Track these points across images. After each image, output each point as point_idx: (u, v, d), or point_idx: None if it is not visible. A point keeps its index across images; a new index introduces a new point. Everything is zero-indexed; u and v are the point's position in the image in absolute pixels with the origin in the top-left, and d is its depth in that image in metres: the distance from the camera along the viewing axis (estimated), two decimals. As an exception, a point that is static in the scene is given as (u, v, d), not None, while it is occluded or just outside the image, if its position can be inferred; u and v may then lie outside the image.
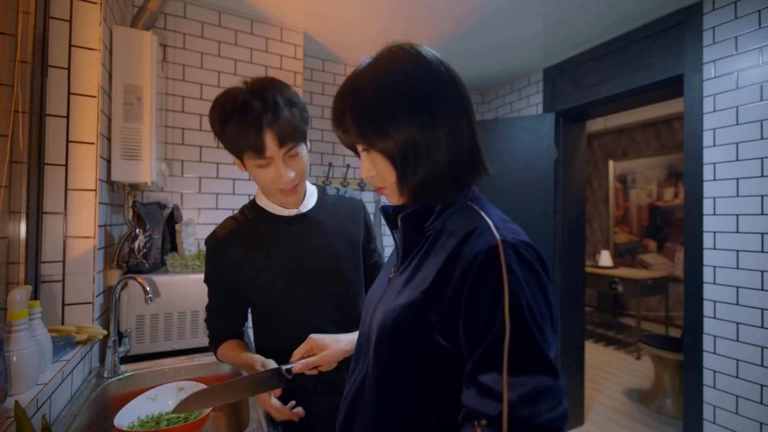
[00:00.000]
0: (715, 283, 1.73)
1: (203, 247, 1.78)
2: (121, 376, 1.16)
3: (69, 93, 1.11)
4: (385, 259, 0.98)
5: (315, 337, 0.80)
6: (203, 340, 1.39)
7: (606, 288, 4.07)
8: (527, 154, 2.52)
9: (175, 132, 1.78)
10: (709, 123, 1.75)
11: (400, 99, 0.52)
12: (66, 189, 1.11)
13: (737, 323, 1.65)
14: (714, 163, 1.73)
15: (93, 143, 1.14)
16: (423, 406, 0.52)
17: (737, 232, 1.66)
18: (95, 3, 1.15)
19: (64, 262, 1.11)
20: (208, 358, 1.33)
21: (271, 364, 0.83)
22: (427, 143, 0.53)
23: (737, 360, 1.64)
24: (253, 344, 1.00)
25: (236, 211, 0.98)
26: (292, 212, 0.93)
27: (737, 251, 1.66)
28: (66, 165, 1.11)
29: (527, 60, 2.51)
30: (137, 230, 1.38)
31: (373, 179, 0.59)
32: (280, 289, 0.91)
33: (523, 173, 2.52)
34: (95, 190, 1.15)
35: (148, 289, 1.10)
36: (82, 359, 1.10)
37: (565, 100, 2.44)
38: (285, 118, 0.78)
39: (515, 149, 2.56)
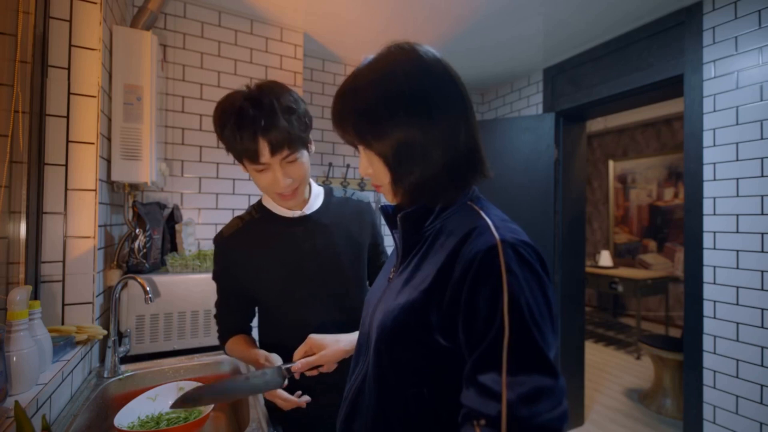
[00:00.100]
0: (715, 283, 1.73)
1: (203, 247, 1.78)
2: (121, 376, 1.16)
3: (69, 93, 1.11)
4: None
5: (314, 337, 0.81)
6: (203, 340, 1.39)
7: (606, 288, 4.07)
8: (527, 154, 2.52)
9: (175, 132, 1.78)
10: (709, 123, 1.75)
11: (397, 100, 0.52)
12: (66, 189, 1.11)
13: (737, 323, 1.65)
14: (714, 163, 1.73)
15: (93, 143, 1.14)
16: (423, 406, 0.52)
17: (737, 232, 1.66)
18: (95, 3, 1.15)
19: (64, 262, 1.11)
20: (208, 358, 1.33)
21: (276, 359, 0.83)
22: (422, 145, 0.53)
23: (737, 360, 1.64)
24: (258, 342, 1.01)
25: (244, 211, 1.00)
26: (296, 214, 0.94)
27: (737, 251, 1.66)
28: (66, 165, 1.11)
29: (527, 60, 2.51)
30: (137, 230, 1.38)
31: (370, 177, 0.60)
32: (281, 289, 0.92)
33: (523, 173, 2.52)
34: (95, 190, 1.15)
35: (148, 289, 1.10)
36: (82, 359, 1.10)
37: (565, 100, 2.44)
38: (280, 126, 0.77)
39: (515, 149, 2.56)
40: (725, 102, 1.69)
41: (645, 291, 3.83)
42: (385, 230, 2.42)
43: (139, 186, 1.48)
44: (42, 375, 0.87)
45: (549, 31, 2.12)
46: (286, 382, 0.78)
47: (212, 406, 0.93)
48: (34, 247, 1.04)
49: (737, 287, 1.65)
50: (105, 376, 1.14)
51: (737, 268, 1.65)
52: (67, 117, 1.11)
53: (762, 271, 1.58)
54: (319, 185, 1.01)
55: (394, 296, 0.56)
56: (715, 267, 1.73)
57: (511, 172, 2.54)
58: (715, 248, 1.73)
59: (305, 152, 0.87)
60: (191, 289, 1.38)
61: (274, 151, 0.79)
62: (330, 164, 2.42)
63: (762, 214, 1.58)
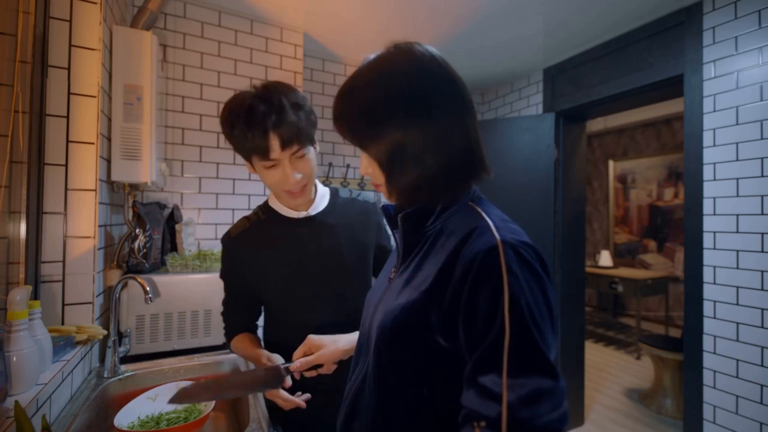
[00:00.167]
0: (715, 283, 1.73)
1: (203, 247, 1.78)
2: (121, 376, 1.16)
3: (69, 93, 1.11)
4: None
5: (313, 338, 0.81)
6: (203, 340, 1.39)
7: (606, 288, 4.07)
8: (527, 154, 2.52)
9: (175, 132, 1.78)
10: (709, 123, 1.75)
11: (390, 102, 0.53)
12: (66, 189, 1.11)
13: (737, 323, 1.65)
14: (714, 163, 1.73)
15: (93, 143, 1.14)
16: (423, 406, 0.52)
17: (737, 232, 1.66)
18: (95, 3, 1.15)
19: (64, 262, 1.11)
20: (208, 358, 1.33)
21: (277, 359, 0.83)
22: (416, 146, 0.53)
23: (737, 360, 1.64)
24: (263, 341, 1.02)
25: (250, 212, 1.01)
26: (302, 214, 0.94)
27: (737, 251, 1.66)
28: (66, 165, 1.11)
29: (527, 60, 2.51)
30: (137, 230, 1.38)
31: (370, 176, 0.60)
32: (285, 289, 0.93)
33: (523, 173, 2.52)
34: (95, 190, 1.15)
35: (148, 289, 1.10)
36: (82, 359, 1.10)
37: (565, 100, 2.44)
38: (290, 120, 0.79)
39: (515, 149, 2.56)
40: (725, 102, 1.69)
41: (645, 291, 3.83)
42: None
43: (139, 186, 1.48)
44: (42, 375, 0.87)
45: (549, 31, 2.12)
46: (289, 382, 0.78)
47: (212, 406, 0.94)
48: (34, 247, 1.04)
49: (737, 287, 1.65)
50: (105, 376, 1.14)
51: (737, 268, 1.65)
52: (67, 117, 1.11)
53: (762, 271, 1.58)
54: (325, 186, 1.02)
55: (394, 296, 0.56)
56: (715, 267, 1.73)
57: (511, 172, 2.54)
58: (715, 248, 1.73)
59: (312, 149, 0.88)
60: (191, 289, 1.38)
61: (284, 146, 0.80)
62: (330, 164, 2.42)
63: (762, 214, 1.58)
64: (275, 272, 0.93)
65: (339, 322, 0.91)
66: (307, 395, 0.83)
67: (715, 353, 1.71)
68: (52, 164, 1.09)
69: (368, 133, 0.55)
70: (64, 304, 1.11)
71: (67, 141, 1.11)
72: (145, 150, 1.34)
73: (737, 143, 1.65)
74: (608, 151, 5.04)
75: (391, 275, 0.64)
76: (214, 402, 0.95)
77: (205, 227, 1.83)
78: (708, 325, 1.74)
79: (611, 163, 4.97)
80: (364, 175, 0.61)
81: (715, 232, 1.73)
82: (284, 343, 0.90)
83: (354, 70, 0.58)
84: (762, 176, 1.58)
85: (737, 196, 1.66)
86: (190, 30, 1.82)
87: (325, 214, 0.96)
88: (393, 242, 1.08)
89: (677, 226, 4.25)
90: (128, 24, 1.57)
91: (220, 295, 1.40)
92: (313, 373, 0.80)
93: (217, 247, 1.79)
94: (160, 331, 1.33)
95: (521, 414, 0.40)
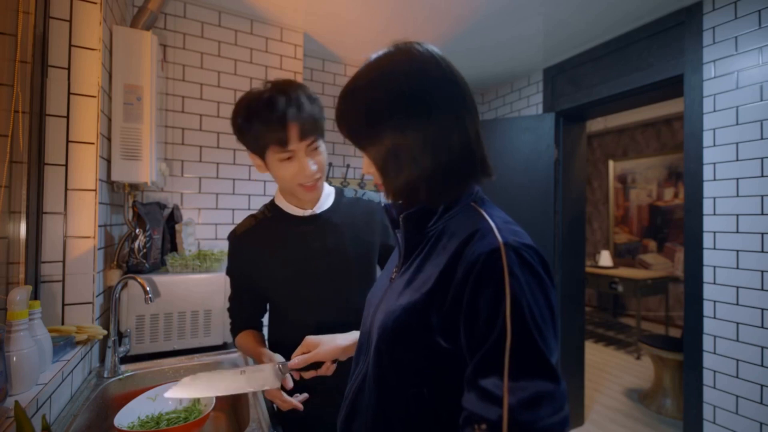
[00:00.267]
0: (715, 283, 1.73)
1: (203, 247, 1.78)
2: (121, 376, 1.16)
3: (69, 93, 1.11)
4: None
5: (310, 337, 0.81)
6: (203, 340, 1.39)
7: (606, 288, 4.07)
8: (527, 154, 2.52)
9: (175, 132, 1.78)
10: (709, 123, 1.75)
11: (388, 103, 0.53)
12: (66, 189, 1.11)
13: (737, 323, 1.65)
14: (714, 163, 1.73)
15: (93, 143, 1.14)
16: (423, 406, 0.52)
17: (737, 232, 1.66)
18: (95, 3, 1.15)
19: (64, 262, 1.11)
20: (208, 358, 1.33)
21: (278, 359, 0.84)
22: (412, 146, 0.53)
23: (737, 360, 1.64)
24: (267, 339, 1.03)
25: (257, 210, 1.02)
26: (307, 213, 0.95)
27: (737, 251, 1.66)
28: (66, 165, 1.11)
29: (527, 60, 2.51)
30: (137, 230, 1.38)
31: (372, 175, 0.60)
32: (289, 286, 0.94)
33: (523, 173, 2.52)
34: (95, 190, 1.15)
35: (148, 289, 1.10)
36: (82, 359, 1.10)
37: (565, 100, 2.44)
38: (307, 112, 0.83)
39: (515, 149, 2.56)
40: (725, 102, 1.69)
41: (645, 291, 3.83)
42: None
43: (139, 186, 1.48)
44: (42, 375, 0.87)
45: (549, 31, 2.12)
46: (290, 382, 0.78)
47: (212, 405, 0.94)
48: (34, 247, 1.04)
49: (737, 287, 1.65)
50: (105, 376, 1.14)
51: (737, 268, 1.65)
52: (67, 117, 1.11)
53: (762, 271, 1.58)
54: (330, 185, 1.03)
55: (395, 297, 0.56)
56: (715, 267, 1.73)
57: (511, 172, 2.54)
58: (715, 248, 1.73)
59: (323, 143, 0.90)
60: (191, 289, 1.38)
61: (302, 137, 0.82)
62: (330, 164, 2.42)
63: (762, 214, 1.58)
64: (280, 270, 0.94)
65: (342, 322, 0.91)
66: (305, 395, 0.83)
67: (715, 353, 1.71)
68: (52, 164, 1.09)
69: (367, 134, 0.56)
70: (64, 304, 1.11)
71: (67, 141, 1.11)
72: (145, 150, 1.34)
73: (737, 143, 1.65)
74: (608, 151, 5.04)
75: (393, 275, 0.64)
76: (214, 402, 0.95)
77: (205, 227, 1.83)
78: (708, 325, 1.74)
79: (611, 163, 4.97)
80: (366, 174, 0.61)
81: (715, 232, 1.73)
82: (288, 342, 0.90)
83: (354, 70, 0.58)
84: (762, 176, 1.58)
85: (737, 196, 1.66)
86: (190, 30, 1.82)
87: (330, 213, 0.97)
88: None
89: (677, 226, 4.25)
90: (128, 24, 1.57)
91: (220, 295, 1.41)
92: (311, 373, 0.80)
93: (217, 247, 1.79)
94: (160, 331, 1.33)
95: (522, 417, 0.40)
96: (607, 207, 5.05)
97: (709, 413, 1.72)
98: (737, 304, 1.65)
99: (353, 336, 0.81)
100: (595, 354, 3.83)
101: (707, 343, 1.74)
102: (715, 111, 1.73)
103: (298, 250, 0.94)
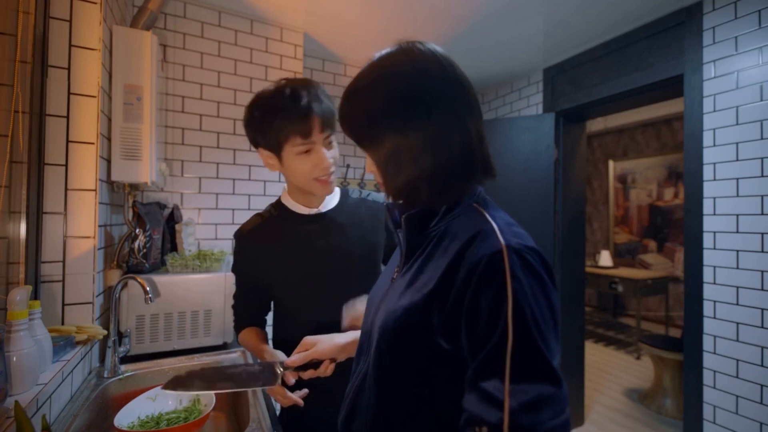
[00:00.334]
0: (715, 283, 1.73)
1: (203, 247, 1.78)
2: (121, 376, 1.16)
3: (69, 93, 1.11)
4: None
5: (308, 337, 0.80)
6: (203, 340, 1.39)
7: (606, 288, 4.07)
8: (527, 154, 2.52)
9: (175, 132, 1.78)
10: (709, 123, 1.75)
11: (388, 103, 0.53)
12: (66, 189, 1.11)
13: (737, 323, 1.65)
14: (714, 163, 1.73)
15: (93, 143, 1.14)
16: (423, 407, 0.52)
17: (737, 232, 1.66)
18: (95, 3, 1.15)
19: (64, 262, 1.11)
20: (208, 358, 1.33)
21: (281, 356, 0.84)
22: (412, 146, 0.53)
23: (737, 360, 1.64)
24: (272, 338, 1.04)
25: (263, 209, 1.04)
26: (313, 211, 0.96)
27: (737, 251, 1.66)
28: (66, 165, 1.11)
29: (527, 60, 2.51)
30: (137, 230, 1.38)
31: (374, 174, 0.60)
32: (291, 286, 0.95)
33: (523, 173, 2.52)
34: (95, 190, 1.15)
35: (148, 289, 1.10)
36: (82, 359, 1.10)
37: (565, 100, 2.44)
38: (326, 105, 0.86)
39: (515, 149, 2.56)
40: (725, 102, 1.69)
41: (645, 291, 3.83)
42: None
43: (139, 186, 1.48)
44: (42, 375, 0.87)
45: (549, 31, 2.12)
46: (293, 379, 0.78)
47: (212, 405, 0.94)
48: (34, 247, 1.04)
49: (737, 287, 1.65)
50: (105, 376, 1.14)
51: (737, 268, 1.65)
52: (67, 117, 1.11)
53: (762, 271, 1.58)
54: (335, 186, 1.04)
55: (396, 298, 0.56)
56: (715, 267, 1.73)
57: (511, 172, 2.54)
58: (715, 248, 1.73)
59: (335, 139, 0.92)
60: (191, 289, 1.38)
61: (322, 128, 0.86)
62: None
63: (762, 214, 1.58)
64: (284, 268, 0.95)
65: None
66: (305, 391, 0.83)
67: (715, 353, 1.71)
68: (52, 164, 1.09)
69: (368, 134, 0.56)
70: (64, 304, 1.11)
71: (67, 141, 1.11)
72: (145, 150, 1.34)
73: (737, 143, 1.65)
74: (608, 151, 5.04)
75: (394, 275, 0.63)
76: (214, 402, 0.95)
77: (205, 227, 1.83)
78: (708, 325, 1.74)
79: (611, 163, 4.97)
80: (369, 173, 0.62)
81: (715, 232, 1.73)
82: (291, 341, 0.90)
83: (354, 70, 0.58)
84: (762, 176, 1.58)
85: (737, 196, 1.66)
86: (190, 30, 1.82)
87: (335, 212, 0.98)
88: None
89: (677, 226, 4.25)
90: (128, 24, 1.57)
91: (220, 295, 1.41)
92: (310, 373, 0.80)
93: (217, 247, 1.79)
94: (160, 331, 1.33)
95: (523, 420, 0.40)
96: (607, 207, 5.05)
97: (709, 413, 1.72)
98: (737, 304, 1.65)
99: (351, 335, 0.81)
100: (595, 354, 3.83)
101: (707, 343, 1.74)
102: (715, 111, 1.73)
103: (303, 249, 0.94)
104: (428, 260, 0.55)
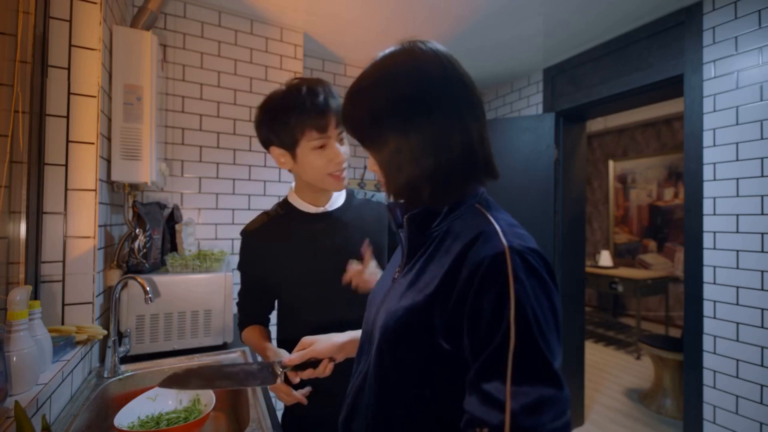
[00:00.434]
0: (715, 283, 1.73)
1: (203, 247, 1.78)
2: (121, 376, 1.16)
3: (69, 93, 1.11)
4: None
5: (306, 338, 0.80)
6: (203, 340, 1.39)
7: (606, 288, 4.07)
8: (527, 154, 2.52)
9: (175, 132, 1.78)
10: (709, 123, 1.75)
11: (388, 103, 0.53)
12: (66, 189, 1.11)
13: (737, 323, 1.65)
14: (714, 163, 1.73)
15: (93, 143, 1.14)
16: (424, 407, 0.52)
17: (737, 232, 1.66)
18: (95, 3, 1.15)
19: (64, 262, 1.11)
20: (208, 358, 1.33)
21: (284, 354, 0.84)
22: (412, 146, 0.53)
23: (737, 360, 1.64)
24: (276, 338, 1.04)
25: (270, 208, 1.05)
26: (319, 210, 0.97)
27: (737, 251, 1.66)
28: (66, 165, 1.11)
29: (527, 60, 2.51)
30: (137, 230, 1.38)
31: (376, 174, 0.61)
32: (296, 283, 0.95)
33: (523, 173, 2.52)
34: (95, 190, 1.15)
35: (148, 289, 1.10)
36: (82, 359, 1.10)
37: (565, 100, 2.44)
38: (339, 103, 0.87)
39: (515, 149, 2.56)
40: (725, 102, 1.69)
41: (645, 291, 3.83)
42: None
43: (139, 186, 1.48)
44: (42, 375, 0.87)
45: (549, 31, 2.12)
46: (297, 378, 0.78)
47: (212, 405, 0.94)
48: (34, 247, 1.04)
49: (737, 287, 1.65)
50: (105, 376, 1.14)
51: (737, 268, 1.65)
52: (67, 117, 1.11)
53: (762, 271, 1.58)
54: None
55: (398, 298, 0.56)
56: (715, 267, 1.73)
57: (511, 172, 2.54)
58: (715, 248, 1.73)
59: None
60: (191, 289, 1.37)
61: (337, 124, 0.88)
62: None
63: (762, 214, 1.58)
64: (289, 267, 0.95)
65: (348, 321, 0.91)
66: (308, 388, 0.83)
67: (715, 353, 1.71)
68: (52, 164, 1.09)
69: (370, 133, 0.57)
70: (64, 304, 1.11)
71: (67, 141, 1.11)
72: (145, 150, 1.34)
73: (737, 143, 1.65)
74: (608, 151, 5.04)
75: (395, 275, 0.63)
76: (214, 402, 0.95)
77: (205, 227, 1.83)
78: (708, 325, 1.74)
79: (611, 163, 4.97)
80: (371, 172, 0.62)
81: (715, 232, 1.73)
82: (294, 341, 0.90)
83: (354, 69, 0.59)
84: (762, 176, 1.58)
85: (737, 196, 1.66)
86: (190, 30, 1.82)
87: (341, 212, 0.99)
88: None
89: (677, 226, 4.25)
90: (128, 24, 1.57)
91: (220, 295, 1.41)
92: (308, 373, 0.80)
93: (217, 247, 1.79)
94: (160, 331, 1.32)
95: (524, 422, 0.40)
96: (607, 207, 5.05)
97: (709, 413, 1.72)
98: (737, 304, 1.65)
99: (350, 335, 0.81)
100: (595, 354, 3.83)
101: (707, 343, 1.74)
102: (715, 111, 1.73)
103: (308, 247, 0.95)
104: (430, 261, 0.55)
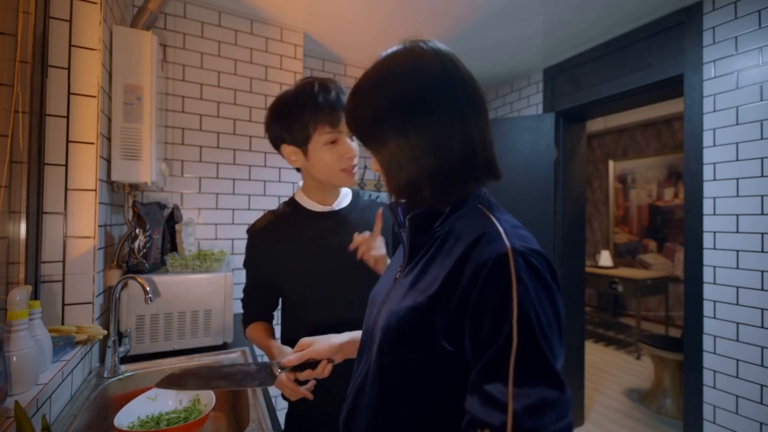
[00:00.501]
0: (715, 283, 1.73)
1: (203, 247, 1.78)
2: (121, 376, 1.16)
3: (69, 93, 1.11)
4: None
5: (304, 339, 0.80)
6: (203, 340, 1.39)
7: (606, 288, 4.07)
8: (527, 154, 2.52)
9: (175, 132, 1.78)
10: (709, 123, 1.75)
11: (389, 102, 0.54)
12: (66, 189, 1.11)
13: (737, 323, 1.65)
14: (714, 163, 1.73)
15: (93, 143, 1.14)
16: (425, 408, 0.52)
17: (737, 232, 1.66)
18: (95, 3, 1.15)
19: (64, 262, 1.10)
20: (208, 358, 1.33)
21: (288, 352, 0.84)
22: (412, 146, 0.53)
23: (737, 360, 1.64)
24: (280, 336, 1.04)
25: (276, 207, 1.06)
26: (326, 209, 0.98)
27: (737, 251, 1.66)
28: (66, 165, 1.11)
29: (527, 60, 2.51)
30: (137, 230, 1.38)
31: (379, 173, 0.61)
32: (301, 282, 0.96)
33: (523, 173, 2.52)
34: (95, 190, 1.15)
35: (148, 289, 1.10)
36: (82, 359, 1.10)
37: (565, 100, 2.44)
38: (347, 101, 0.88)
39: (515, 149, 2.56)
40: (725, 102, 1.69)
41: (645, 291, 3.83)
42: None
43: (139, 186, 1.48)
44: (42, 375, 0.87)
45: (549, 31, 2.12)
46: (304, 377, 0.78)
47: (212, 405, 0.94)
48: (34, 247, 1.04)
49: (737, 287, 1.65)
50: (105, 376, 1.14)
51: (737, 268, 1.65)
52: (67, 117, 1.11)
53: (762, 271, 1.58)
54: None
55: (399, 298, 0.56)
56: (715, 267, 1.73)
57: (511, 172, 2.54)
58: (715, 248, 1.73)
59: None
60: (191, 289, 1.37)
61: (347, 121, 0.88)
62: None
63: (762, 214, 1.58)
64: (297, 264, 0.96)
65: (352, 320, 0.91)
66: (312, 382, 0.83)
67: (715, 353, 1.71)
68: (52, 164, 1.09)
69: (371, 133, 0.57)
70: (64, 304, 1.11)
71: (67, 141, 1.11)
72: (145, 150, 1.34)
73: (737, 143, 1.65)
74: (608, 151, 5.04)
75: (397, 275, 0.63)
76: (214, 402, 0.95)
77: (205, 227, 1.83)
78: (708, 325, 1.74)
79: (611, 163, 4.97)
80: (374, 171, 0.62)
81: (715, 232, 1.73)
82: (295, 337, 0.90)
83: (354, 69, 0.59)
84: (762, 176, 1.58)
85: (737, 196, 1.66)
86: (190, 30, 1.82)
87: (347, 211, 1.00)
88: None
89: (677, 226, 4.25)
90: (128, 24, 1.57)
91: (220, 295, 1.41)
92: (307, 373, 0.80)
93: (217, 247, 1.79)
94: (160, 331, 1.32)
95: (525, 424, 0.40)
96: (607, 207, 5.05)
97: (709, 413, 1.72)
98: (737, 304, 1.65)
99: (349, 336, 0.81)
100: (595, 354, 3.83)
101: (707, 343, 1.74)
102: (715, 111, 1.73)
103: (314, 245, 0.96)
104: (432, 261, 0.55)
